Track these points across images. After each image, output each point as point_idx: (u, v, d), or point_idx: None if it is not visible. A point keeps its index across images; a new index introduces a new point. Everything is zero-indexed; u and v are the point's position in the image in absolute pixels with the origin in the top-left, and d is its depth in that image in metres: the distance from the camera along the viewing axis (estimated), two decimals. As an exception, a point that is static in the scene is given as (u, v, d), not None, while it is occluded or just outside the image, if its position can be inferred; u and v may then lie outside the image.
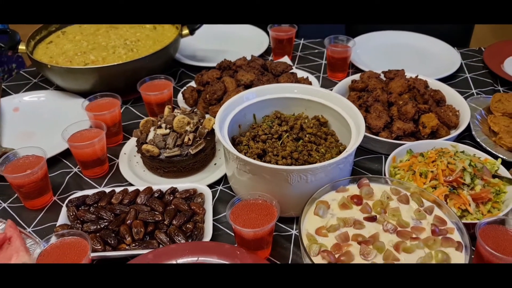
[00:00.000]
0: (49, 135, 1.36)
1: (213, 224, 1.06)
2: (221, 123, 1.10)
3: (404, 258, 0.85)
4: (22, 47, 1.52)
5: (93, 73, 1.40)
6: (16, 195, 1.17)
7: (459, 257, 0.85)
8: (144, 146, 1.17)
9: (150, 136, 1.20)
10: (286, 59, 1.68)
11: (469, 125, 1.31)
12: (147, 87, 1.38)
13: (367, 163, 1.26)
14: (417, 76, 1.45)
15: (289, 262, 1.00)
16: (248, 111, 1.21)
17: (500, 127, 1.29)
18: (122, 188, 1.13)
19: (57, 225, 1.04)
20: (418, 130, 1.29)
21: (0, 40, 1.51)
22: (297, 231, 1.06)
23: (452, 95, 1.41)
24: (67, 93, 1.52)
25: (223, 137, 1.05)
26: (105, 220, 1.05)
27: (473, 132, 1.30)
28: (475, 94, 1.54)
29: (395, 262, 0.83)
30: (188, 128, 1.20)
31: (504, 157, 1.19)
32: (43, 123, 1.43)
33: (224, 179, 1.20)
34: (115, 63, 1.40)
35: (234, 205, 0.96)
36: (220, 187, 1.19)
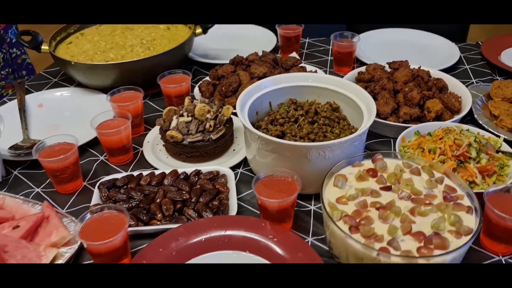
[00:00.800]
0: (74, 128, 1.42)
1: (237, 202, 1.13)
2: (242, 108, 1.18)
3: (420, 221, 0.92)
4: (45, 47, 1.59)
5: (114, 69, 1.48)
6: (48, 180, 1.24)
7: (469, 219, 0.92)
8: (168, 132, 1.24)
9: (173, 123, 1.28)
10: (294, 55, 1.76)
11: (471, 109, 1.39)
12: (167, 80, 1.46)
13: (377, 146, 1.34)
14: (419, 67, 1.54)
15: (310, 234, 1.07)
16: (264, 99, 1.29)
17: (501, 111, 1.37)
18: (149, 171, 1.20)
19: (91, 205, 1.11)
20: (423, 115, 1.37)
21: (23, 41, 1.58)
22: (316, 206, 1.14)
23: (453, 84, 1.49)
24: (89, 90, 1.59)
25: (245, 120, 1.13)
26: (135, 200, 1.11)
27: (475, 116, 1.38)
28: (474, 83, 1.63)
29: (412, 225, 0.91)
30: (208, 115, 1.28)
31: (506, 137, 1.27)
32: (67, 117, 1.50)
33: (243, 163, 1.28)
34: (135, 59, 1.49)
35: (259, 180, 1.03)
36: (240, 170, 1.26)
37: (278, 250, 0.99)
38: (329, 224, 0.92)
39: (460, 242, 0.87)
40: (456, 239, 0.88)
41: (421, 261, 0.83)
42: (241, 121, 1.12)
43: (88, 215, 0.96)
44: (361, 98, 1.22)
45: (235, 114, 1.22)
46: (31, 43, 1.59)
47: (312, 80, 1.30)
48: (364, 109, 1.18)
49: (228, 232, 1.03)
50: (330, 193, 1.00)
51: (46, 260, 0.96)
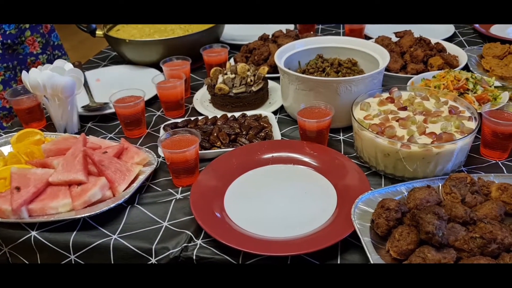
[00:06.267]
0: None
1: (279, 135, 1.37)
2: (279, 59, 1.43)
3: (431, 126, 1.16)
4: (99, 32, 1.86)
5: (162, 44, 1.74)
6: (116, 130, 1.48)
7: (470, 124, 1.17)
8: (217, 85, 1.49)
9: (220, 80, 1.53)
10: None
11: (467, 65, 1.65)
12: (209, 51, 1.72)
13: (390, 95, 1.59)
14: (420, 36, 1.80)
15: (342, 151, 1.30)
16: (294, 58, 1.54)
17: (492, 64, 1.63)
18: (203, 117, 1.45)
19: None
20: (427, 70, 1.62)
21: (82, 28, 1.85)
22: (345, 136, 1.38)
23: (450, 47, 1.76)
24: (138, 66, 1.85)
25: (282, 65, 1.38)
26: (196, 134, 1.36)
27: (471, 69, 1.63)
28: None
29: (425, 129, 1.15)
30: (249, 73, 1.53)
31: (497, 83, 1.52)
32: (120, 87, 1.73)
33: (279, 111, 1.52)
34: (179, 35, 1.75)
35: (301, 109, 1.28)
36: (277, 116, 1.50)
37: (318, 160, 1.23)
38: (361, 132, 1.17)
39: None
40: (461, 136, 1.12)
41: (435, 149, 1.07)
42: (280, 67, 1.38)
43: (167, 135, 1.21)
44: (375, 51, 1.48)
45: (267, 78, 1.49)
46: (87, 29, 1.86)
47: (334, 42, 1.57)
48: (378, 57, 1.44)
49: (276, 151, 1.27)
50: (358, 114, 1.25)
51: (133, 173, 1.20)
